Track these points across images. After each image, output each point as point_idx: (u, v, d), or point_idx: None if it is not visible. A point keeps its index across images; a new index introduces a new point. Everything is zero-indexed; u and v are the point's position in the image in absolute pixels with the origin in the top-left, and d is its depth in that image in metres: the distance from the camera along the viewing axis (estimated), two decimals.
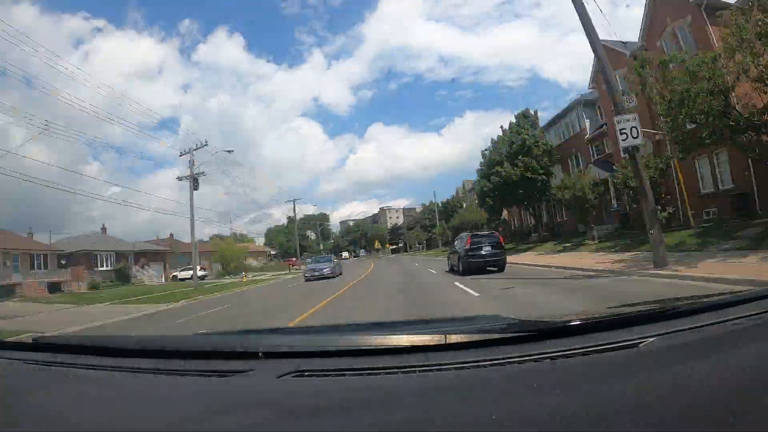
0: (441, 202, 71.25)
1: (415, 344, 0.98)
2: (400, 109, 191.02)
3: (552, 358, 0.83)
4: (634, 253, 14.07)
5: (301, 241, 65.57)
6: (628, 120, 9.47)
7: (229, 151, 33.40)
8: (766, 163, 12.20)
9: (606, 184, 22.47)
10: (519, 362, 0.83)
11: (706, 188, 18.15)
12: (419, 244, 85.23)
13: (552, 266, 14.40)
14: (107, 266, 36.95)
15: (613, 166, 20.86)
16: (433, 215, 70.36)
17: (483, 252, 14.27)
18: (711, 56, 10.15)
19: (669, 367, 0.74)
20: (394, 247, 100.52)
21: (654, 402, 0.62)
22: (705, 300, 1.16)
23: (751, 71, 9.69)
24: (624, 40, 20.00)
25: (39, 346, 1.36)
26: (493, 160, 29.59)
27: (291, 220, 70.34)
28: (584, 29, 10.09)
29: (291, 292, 16.85)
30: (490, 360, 0.85)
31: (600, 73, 12.74)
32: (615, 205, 23.03)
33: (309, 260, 38.26)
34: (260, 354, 1.02)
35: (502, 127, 31.41)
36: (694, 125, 11.03)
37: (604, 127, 23.94)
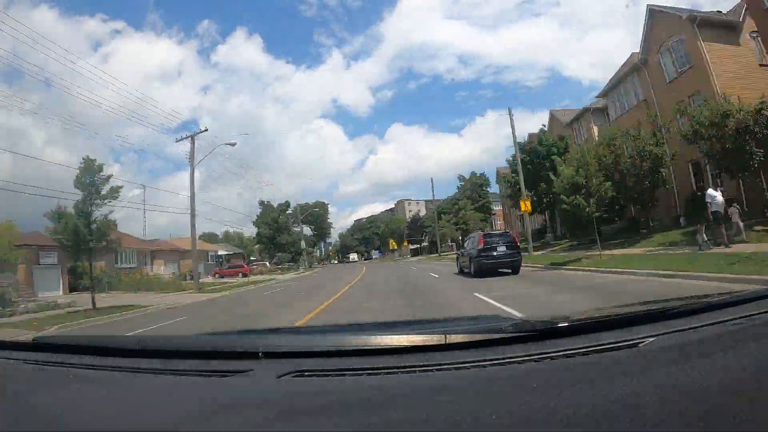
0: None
1: (415, 344, 0.99)
2: (419, 110, 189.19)
3: (552, 358, 0.84)
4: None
5: (286, 238, 55.55)
6: None
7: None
8: None
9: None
10: (519, 362, 0.84)
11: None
12: (453, 241, 55.26)
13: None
14: None
15: None
16: (476, 192, 55.20)
17: (497, 252, 13.32)
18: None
19: (669, 367, 0.74)
20: (415, 247, 71.66)
21: (654, 402, 0.62)
22: (705, 300, 1.16)
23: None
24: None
25: (39, 346, 1.36)
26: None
27: (265, 206, 56.73)
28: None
29: None
30: (491, 360, 0.85)
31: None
32: None
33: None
34: (260, 354, 1.02)
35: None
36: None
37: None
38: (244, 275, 36.27)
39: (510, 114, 23.51)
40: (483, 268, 13.20)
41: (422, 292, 10.90)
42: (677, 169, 19.26)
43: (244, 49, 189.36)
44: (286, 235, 57.63)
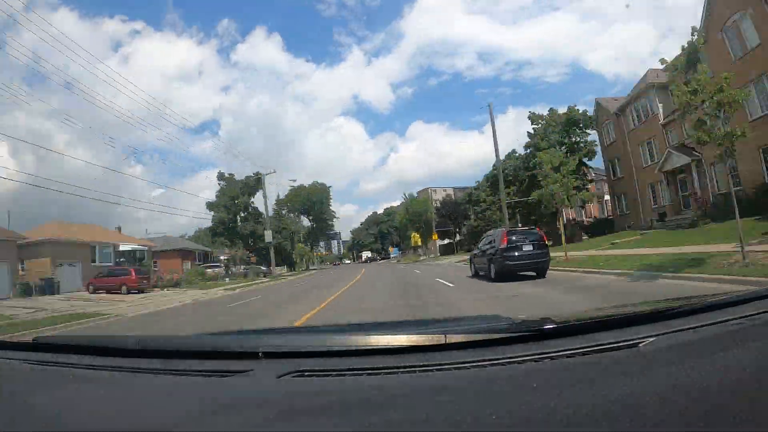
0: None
1: (415, 344, 0.99)
2: (440, 107, 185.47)
3: (552, 358, 0.84)
4: None
5: (251, 227, 40.81)
6: None
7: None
8: None
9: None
10: (519, 362, 0.84)
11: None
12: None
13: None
14: None
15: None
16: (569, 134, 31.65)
17: (522, 252, 11.56)
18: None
19: (669, 367, 0.74)
20: (447, 242, 55.45)
21: (654, 402, 0.62)
22: (705, 300, 1.16)
23: None
24: None
25: (39, 346, 1.36)
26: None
27: (227, 180, 41.81)
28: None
29: None
30: (491, 360, 0.85)
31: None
32: None
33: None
34: (260, 354, 1.02)
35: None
36: None
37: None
38: (132, 290, 23.61)
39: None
40: (505, 270, 11.49)
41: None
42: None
43: (263, 48, 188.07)
44: (252, 223, 41.08)
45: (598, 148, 33.26)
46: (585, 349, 0.85)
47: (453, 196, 62.27)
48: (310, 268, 60.78)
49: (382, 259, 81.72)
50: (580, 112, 32.94)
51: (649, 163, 27.53)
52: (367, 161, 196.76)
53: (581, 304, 6.95)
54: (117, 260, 32.04)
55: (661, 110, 25.55)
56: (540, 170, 18.61)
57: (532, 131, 34.65)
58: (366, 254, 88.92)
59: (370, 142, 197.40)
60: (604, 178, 36.45)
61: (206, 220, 43.70)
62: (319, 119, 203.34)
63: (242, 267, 41.25)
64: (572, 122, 32.87)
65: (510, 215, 28.90)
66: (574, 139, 32.89)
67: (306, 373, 0.89)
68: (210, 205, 42.35)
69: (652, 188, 27.98)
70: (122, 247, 33.51)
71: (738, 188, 15.99)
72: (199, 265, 40.67)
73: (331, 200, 68.56)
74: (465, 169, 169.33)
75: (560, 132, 32.54)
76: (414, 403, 0.71)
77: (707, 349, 0.83)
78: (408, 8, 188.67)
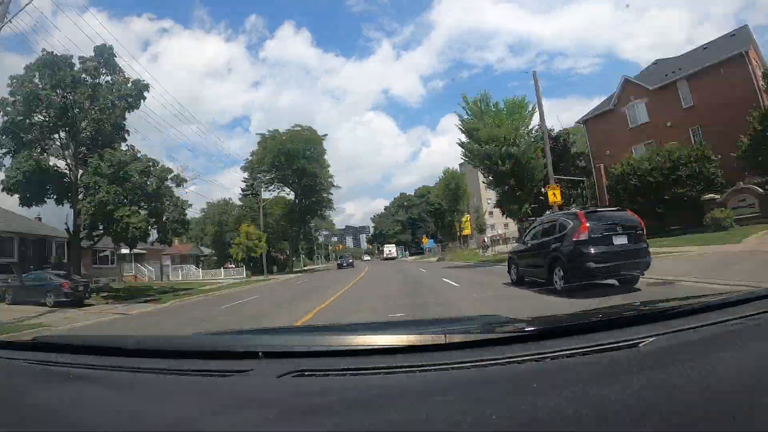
0: None
1: (415, 344, 0.99)
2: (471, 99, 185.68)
3: (552, 358, 0.84)
4: None
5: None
6: None
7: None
8: None
9: None
10: (519, 362, 0.84)
11: None
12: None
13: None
14: None
15: None
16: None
17: (613, 247, 7.26)
18: None
19: (669, 367, 0.74)
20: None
21: (654, 402, 0.62)
22: (704, 300, 1.16)
23: None
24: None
25: (39, 345, 1.36)
26: None
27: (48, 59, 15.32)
28: None
29: None
30: (491, 360, 0.85)
31: None
32: None
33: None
34: (260, 354, 1.02)
35: None
36: None
37: None
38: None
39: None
40: (585, 274, 7.18)
41: None
42: None
43: (292, 43, 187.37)
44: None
45: None
46: (585, 349, 0.85)
47: None
48: (292, 271, 44.87)
49: (413, 254, 65.07)
50: None
51: None
52: (398, 155, 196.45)
53: None
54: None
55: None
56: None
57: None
58: (388, 249, 66.63)
59: (402, 137, 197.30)
60: None
61: None
62: (349, 114, 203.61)
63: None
64: None
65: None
66: None
67: (306, 373, 0.89)
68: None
69: None
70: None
71: None
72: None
73: (329, 163, 46.17)
74: None
75: None
76: (414, 403, 0.71)
77: (707, 349, 0.83)
78: None
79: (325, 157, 47.14)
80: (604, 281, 7.67)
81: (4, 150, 18.56)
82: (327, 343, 1.17)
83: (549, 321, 1.07)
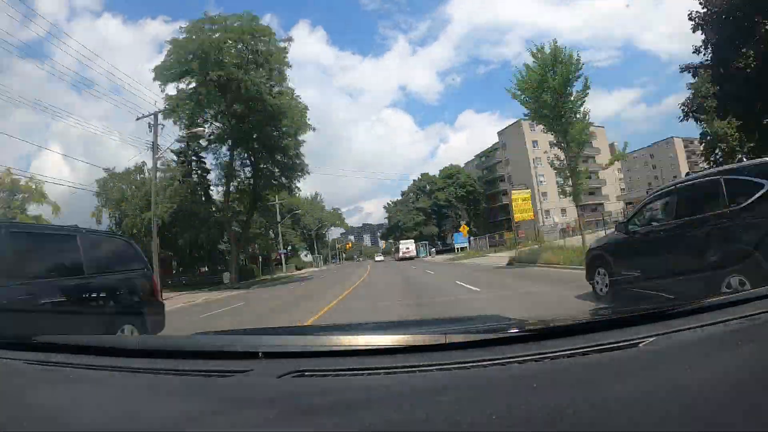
0: None
1: (415, 344, 0.99)
2: (490, 94, 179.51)
3: (552, 358, 0.84)
4: None
5: None
6: None
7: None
8: None
9: None
10: (519, 362, 0.84)
11: None
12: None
13: None
14: None
15: None
16: None
17: None
18: None
19: (669, 367, 0.74)
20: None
21: (654, 402, 0.62)
22: (705, 300, 1.16)
23: None
24: None
25: (38, 345, 1.36)
26: None
27: None
28: None
29: None
30: (491, 360, 0.85)
31: None
32: None
33: None
34: (260, 354, 1.02)
35: None
36: None
37: None
38: None
39: None
40: None
41: None
42: None
43: (307, 42, 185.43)
44: None
45: None
46: (585, 349, 0.85)
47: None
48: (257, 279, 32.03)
49: (441, 252, 50.78)
50: None
51: None
52: (416, 152, 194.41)
53: None
54: None
55: None
56: None
57: None
58: (404, 246, 51.49)
59: (419, 133, 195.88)
60: None
61: None
62: (366, 112, 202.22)
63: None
64: None
65: None
66: None
67: (306, 373, 0.89)
68: None
69: None
70: None
71: None
72: None
73: (296, 93, 25.42)
74: None
75: None
76: (414, 403, 0.71)
77: (707, 349, 0.83)
78: None
79: (289, 82, 25.92)
80: None
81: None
82: (327, 343, 1.17)
83: (549, 321, 1.07)
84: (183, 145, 27.25)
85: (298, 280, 26.19)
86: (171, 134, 31.44)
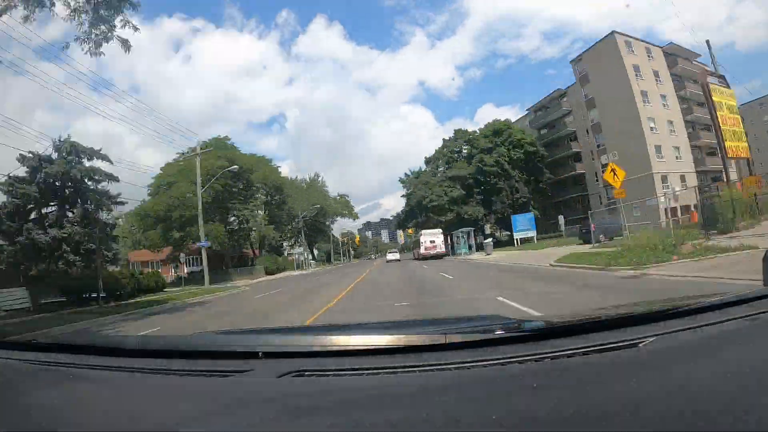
0: None
1: (415, 344, 0.99)
2: (510, 88, 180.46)
3: (552, 358, 0.84)
4: None
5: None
6: None
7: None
8: None
9: None
10: (519, 362, 0.84)
11: None
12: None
13: None
14: None
15: None
16: None
17: None
18: None
19: (669, 367, 0.74)
20: None
21: (654, 402, 0.62)
22: (705, 300, 1.16)
23: None
24: None
25: (38, 345, 1.36)
26: None
27: None
28: None
29: None
30: (491, 360, 0.85)
31: None
32: None
33: None
34: (260, 354, 1.02)
35: None
36: None
37: None
38: None
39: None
40: None
41: None
42: None
43: (324, 38, 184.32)
44: None
45: None
46: (585, 349, 0.85)
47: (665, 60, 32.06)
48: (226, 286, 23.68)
49: (501, 245, 35.66)
50: None
51: None
52: (436, 148, 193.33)
53: None
54: None
55: None
56: None
57: None
58: (428, 239, 35.92)
59: (439, 129, 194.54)
60: None
61: None
62: (385, 108, 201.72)
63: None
64: None
65: None
66: None
67: (306, 373, 0.89)
68: None
69: None
70: None
71: None
72: None
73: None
74: None
75: None
76: (414, 403, 0.71)
77: (707, 349, 0.83)
78: None
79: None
80: None
81: None
82: (327, 343, 1.17)
83: (549, 321, 1.07)
84: None
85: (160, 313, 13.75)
86: None
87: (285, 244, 52.91)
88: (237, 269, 36.99)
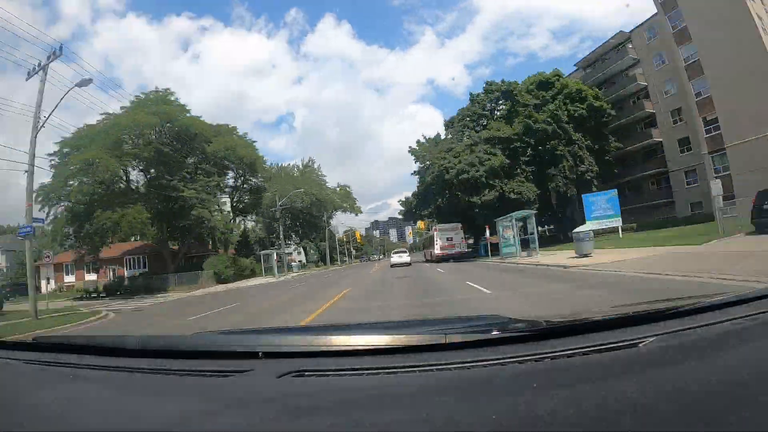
0: None
1: (415, 344, 0.99)
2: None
3: (552, 358, 0.84)
4: None
5: None
6: None
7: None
8: None
9: None
10: (519, 362, 0.83)
11: None
12: None
13: None
14: None
15: None
16: None
17: None
18: None
19: (669, 367, 0.74)
20: None
21: (654, 402, 0.62)
22: (705, 300, 1.16)
23: None
24: None
25: (39, 345, 1.36)
26: None
27: None
28: None
29: None
30: (491, 360, 0.85)
31: None
32: None
33: None
34: (260, 354, 1.02)
35: None
36: None
37: None
38: None
39: None
40: None
41: None
42: None
43: (333, 36, 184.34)
44: None
45: None
46: (585, 349, 0.85)
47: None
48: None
49: (548, 240, 30.14)
50: None
51: None
52: None
53: None
54: None
55: None
56: None
57: None
58: (443, 236, 27.97)
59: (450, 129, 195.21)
60: None
61: None
62: (394, 106, 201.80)
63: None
64: None
65: None
66: None
67: (306, 373, 0.89)
68: None
69: None
70: None
71: None
72: None
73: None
74: None
75: None
76: (414, 403, 0.71)
77: (707, 349, 0.83)
78: None
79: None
80: None
81: None
82: (327, 343, 1.17)
83: (549, 321, 1.07)
84: None
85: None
86: None
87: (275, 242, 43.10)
88: (179, 275, 27.66)
